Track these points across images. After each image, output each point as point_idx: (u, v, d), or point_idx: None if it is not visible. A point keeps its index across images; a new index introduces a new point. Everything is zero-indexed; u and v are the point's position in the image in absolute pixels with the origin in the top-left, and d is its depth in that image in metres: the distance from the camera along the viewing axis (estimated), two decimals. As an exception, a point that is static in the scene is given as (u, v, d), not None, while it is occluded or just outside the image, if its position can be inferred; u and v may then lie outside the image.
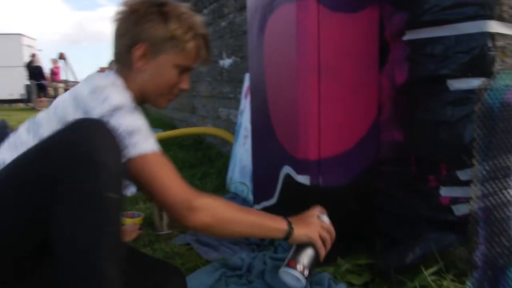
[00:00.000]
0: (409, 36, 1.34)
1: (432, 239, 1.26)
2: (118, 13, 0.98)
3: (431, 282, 1.16)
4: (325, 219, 1.07)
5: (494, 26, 1.15)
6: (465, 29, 1.18)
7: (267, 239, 1.61)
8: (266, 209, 1.71)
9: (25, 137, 0.91)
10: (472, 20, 1.17)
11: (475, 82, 1.17)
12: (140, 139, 0.86)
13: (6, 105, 12.67)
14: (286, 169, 1.49)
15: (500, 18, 1.16)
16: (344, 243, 1.46)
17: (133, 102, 0.92)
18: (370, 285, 1.31)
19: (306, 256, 1.00)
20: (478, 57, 1.16)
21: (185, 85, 1.03)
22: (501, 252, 1.24)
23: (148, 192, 0.89)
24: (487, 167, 1.19)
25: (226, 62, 3.01)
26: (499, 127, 1.19)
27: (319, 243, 1.01)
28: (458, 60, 1.20)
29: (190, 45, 0.98)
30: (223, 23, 2.98)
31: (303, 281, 0.98)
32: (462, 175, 1.22)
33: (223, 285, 1.32)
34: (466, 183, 1.21)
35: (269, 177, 1.63)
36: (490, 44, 1.15)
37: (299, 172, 1.42)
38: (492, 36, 1.15)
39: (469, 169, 1.19)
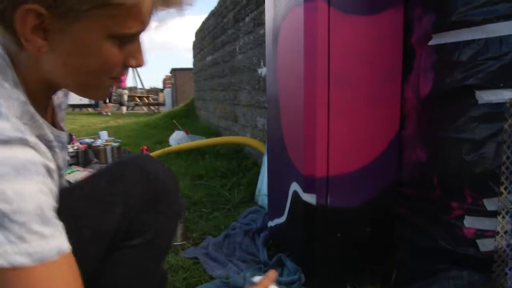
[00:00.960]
0: (436, 40, 1.16)
1: (451, 278, 1.07)
2: None
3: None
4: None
5: (533, 28, 0.96)
6: (496, 31, 1.00)
7: (275, 258, 1.49)
8: (278, 226, 1.59)
9: None
10: (505, 20, 0.98)
11: (506, 95, 0.98)
12: (12, 236, 0.47)
13: (77, 110, 13.60)
14: (294, 186, 1.37)
15: (541, 18, 0.96)
16: (354, 271, 1.31)
17: (28, 106, 0.59)
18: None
19: None
20: (510, 64, 0.97)
21: (135, 60, 0.62)
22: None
23: None
24: (520, 197, 0.98)
25: (263, 70, 2.93)
26: (539, 149, 0.98)
27: None
28: (488, 68, 1.01)
29: None
30: (262, 31, 2.91)
31: None
32: (489, 204, 1.02)
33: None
34: (494, 214, 1.01)
35: (280, 193, 1.51)
36: (526, 49, 0.95)
37: (305, 190, 1.29)
38: (530, 39, 0.96)
39: (497, 198, 0.99)
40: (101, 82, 0.62)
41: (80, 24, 0.54)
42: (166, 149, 3.65)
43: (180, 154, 3.58)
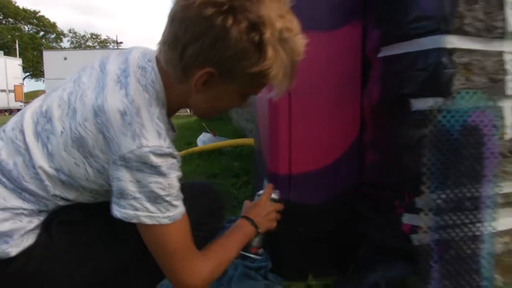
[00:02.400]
0: (383, 53, 1.27)
1: (387, 269, 1.17)
2: (204, 5, 0.71)
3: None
4: (277, 192, 1.20)
5: (453, 41, 1.05)
6: (424, 45, 1.10)
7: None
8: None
9: (32, 144, 0.82)
10: (431, 34, 1.08)
11: (429, 102, 1.08)
12: (163, 207, 0.80)
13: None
14: (265, 182, 1.52)
15: (462, 32, 1.05)
16: (316, 263, 1.44)
17: (167, 123, 0.85)
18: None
19: (261, 240, 1.15)
20: (432, 75, 1.07)
21: (241, 106, 0.90)
22: (469, 293, 1.11)
23: (154, 255, 0.86)
24: (443, 196, 1.08)
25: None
26: (463, 153, 1.07)
27: (275, 227, 1.15)
28: (418, 78, 1.11)
29: (276, 78, 0.78)
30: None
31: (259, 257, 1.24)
32: (418, 202, 1.12)
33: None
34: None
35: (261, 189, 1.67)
36: (446, 61, 1.05)
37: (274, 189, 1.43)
38: (450, 52, 1.05)
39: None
40: (218, 114, 0.97)
41: (231, 85, 0.81)
42: (190, 149, 3.89)
43: (202, 154, 3.80)
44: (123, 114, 0.77)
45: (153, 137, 0.77)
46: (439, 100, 1.06)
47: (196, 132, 5.35)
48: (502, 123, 1.12)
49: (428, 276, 1.09)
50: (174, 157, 0.81)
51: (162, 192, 0.79)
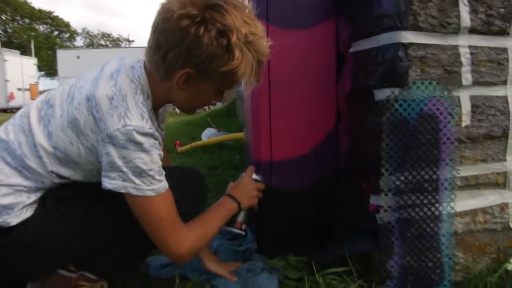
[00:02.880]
0: (353, 48, 1.38)
1: (352, 244, 1.29)
2: (180, 18, 0.87)
3: (319, 279, 1.22)
4: (257, 177, 1.36)
5: (408, 36, 1.15)
6: (383, 40, 1.20)
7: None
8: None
9: (35, 126, 0.97)
10: (388, 31, 1.18)
11: (386, 93, 1.18)
12: (147, 181, 0.93)
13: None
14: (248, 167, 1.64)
15: (417, 28, 1.15)
16: (297, 242, 1.55)
17: (151, 111, 1.00)
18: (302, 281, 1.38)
19: (245, 216, 1.30)
20: (390, 67, 1.17)
21: (218, 101, 1.12)
22: (428, 268, 1.21)
23: (143, 225, 1.00)
24: (402, 178, 1.18)
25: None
26: (420, 138, 1.17)
27: (256, 204, 1.31)
28: (378, 71, 1.21)
29: (245, 75, 0.95)
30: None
31: (243, 233, 1.33)
32: (380, 184, 1.23)
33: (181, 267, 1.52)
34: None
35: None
36: (402, 55, 1.15)
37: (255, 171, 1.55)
38: (405, 46, 1.15)
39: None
40: (198, 108, 1.15)
41: (207, 82, 0.97)
42: (194, 143, 4.04)
43: (205, 148, 3.94)
44: (111, 99, 0.92)
45: (136, 119, 0.92)
46: (396, 90, 1.16)
47: (201, 128, 5.48)
48: (458, 111, 1.21)
49: (390, 252, 1.20)
50: (155, 138, 0.96)
51: (145, 167, 0.93)
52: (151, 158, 0.94)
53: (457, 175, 1.22)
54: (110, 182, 0.93)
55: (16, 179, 0.96)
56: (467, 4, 1.16)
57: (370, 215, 1.29)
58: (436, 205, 1.20)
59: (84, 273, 1.08)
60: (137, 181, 0.93)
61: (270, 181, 1.52)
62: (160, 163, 0.97)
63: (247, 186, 1.28)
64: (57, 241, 0.98)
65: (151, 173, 0.94)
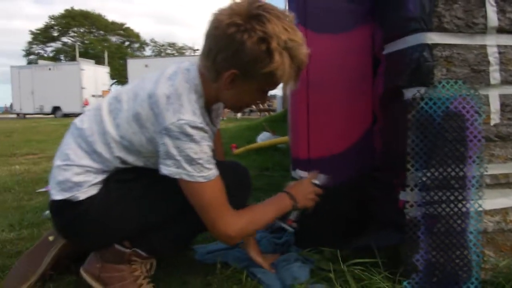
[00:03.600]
0: (386, 50, 1.44)
1: (379, 236, 1.35)
2: (228, 26, 1.02)
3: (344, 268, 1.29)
4: (320, 178, 1.41)
5: (433, 37, 1.20)
6: (410, 42, 1.26)
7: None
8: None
9: (106, 118, 1.17)
10: (415, 33, 1.24)
11: (413, 92, 1.23)
12: (197, 168, 1.07)
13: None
14: (294, 172, 1.74)
15: (442, 29, 1.20)
16: (333, 238, 1.63)
17: (203, 108, 1.14)
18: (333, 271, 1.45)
19: (298, 215, 1.40)
20: (416, 67, 1.22)
21: (262, 102, 1.30)
22: (455, 264, 1.23)
23: (195, 207, 1.13)
24: (428, 174, 1.22)
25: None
26: (446, 136, 1.21)
27: (311, 206, 1.39)
28: (406, 71, 1.27)
29: (284, 77, 1.07)
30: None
31: (292, 230, 1.43)
32: (407, 180, 1.28)
33: (224, 255, 1.66)
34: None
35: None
36: (427, 55, 1.20)
37: (293, 168, 1.66)
38: (430, 47, 1.20)
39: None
40: (246, 107, 1.28)
41: (251, 82, 1.10)
42: (249, 146, 4.21)
43: (259, 150, 4.09)
44: (168, 97, 1.09)
45: (188, 114, 1.08)
46: (422, 89, 1.21)
47: (258, 132, 5.65)
48: (486, 109, 1.23)
49: (416, 246, 1.24)
50: (205, 131, 1.10)
51: (195, 156, 1.07)
52: (201, 149, 1.07)
53: (485, 173, 1.23)
54: (166, 169, 1.09)
55: (87, 161, 1.16)
56: (494, 4, 1.18)
57: (399, 211, 1.34)
58: (463, 202, 1.23)
59: (137, 250, 1.25)
60: (189, 168, 1.07)
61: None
62: (210, 153, 1.10)
63: (307, 188, 1.37)
64: (116, 218, 1.17)
65: (200, 161, 1.07)
